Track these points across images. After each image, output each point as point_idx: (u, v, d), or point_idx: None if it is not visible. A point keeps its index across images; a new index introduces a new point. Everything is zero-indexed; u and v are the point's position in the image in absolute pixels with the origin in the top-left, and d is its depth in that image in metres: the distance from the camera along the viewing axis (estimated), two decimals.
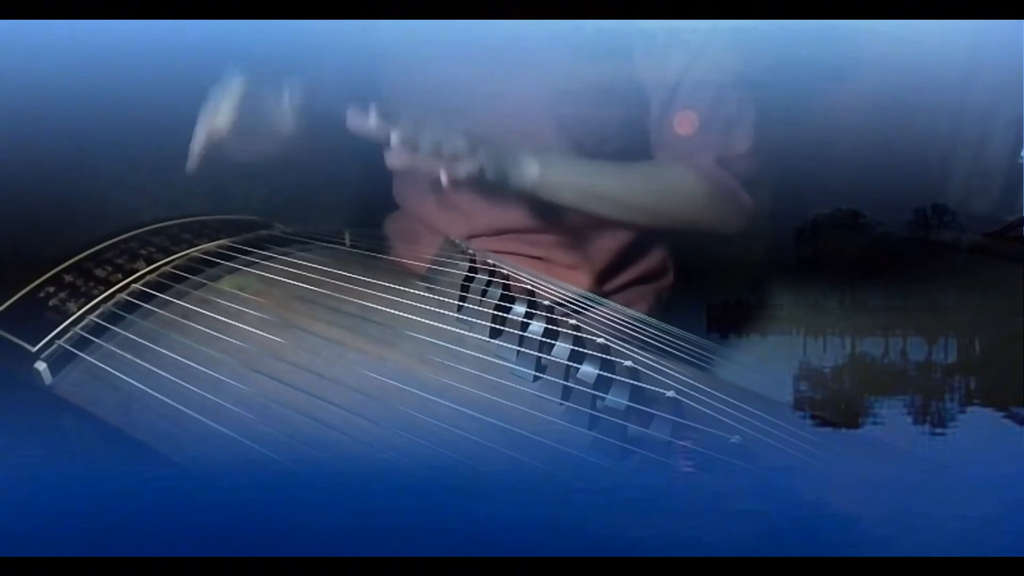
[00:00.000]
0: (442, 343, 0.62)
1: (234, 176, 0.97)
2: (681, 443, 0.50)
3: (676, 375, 0.58)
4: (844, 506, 0.48)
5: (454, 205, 0.90)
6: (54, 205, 0.85)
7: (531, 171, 0.77)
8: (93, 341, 0.65)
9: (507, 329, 0.64)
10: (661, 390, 0.52)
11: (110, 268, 0.73)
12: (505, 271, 0.69)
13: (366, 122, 0.70)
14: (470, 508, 0.49)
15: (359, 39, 0.86)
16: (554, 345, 0.58)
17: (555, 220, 0.87)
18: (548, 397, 0.57)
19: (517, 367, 0.60)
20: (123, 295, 0.69)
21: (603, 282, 0.89)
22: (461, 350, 0.62)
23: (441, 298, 0.70)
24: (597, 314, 0.69)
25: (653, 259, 0.92)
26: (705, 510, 0.48)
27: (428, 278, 0.75)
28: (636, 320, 0.67)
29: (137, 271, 0.72)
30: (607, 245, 0.89)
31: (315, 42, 0.88)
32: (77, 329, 0.65)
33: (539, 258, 0.89)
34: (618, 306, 0.71)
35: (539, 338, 0.60)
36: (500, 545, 0.47)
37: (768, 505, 0.48)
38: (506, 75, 0.81)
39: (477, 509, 0.49)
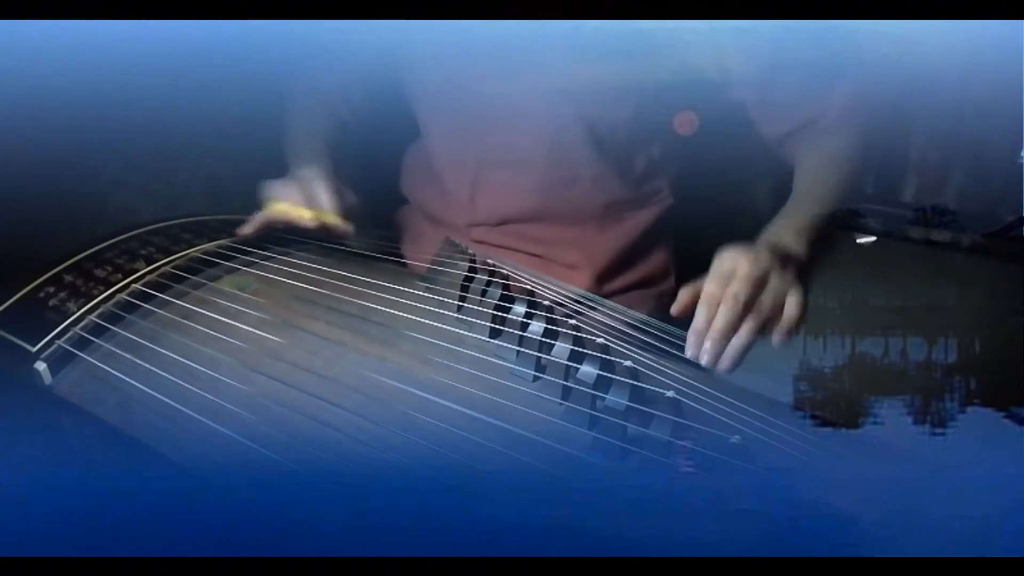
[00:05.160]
0: (442, 343, 0.62)
1: (234, 176, 0.97)
2: (681, 443, 0.50)
3: (676, 375, 0.58)
4: (844, 506, 0.48)
5: (454, 194, 0.90)
6: (54, 205, 0.85)
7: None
8: (93, 341, 0.65)
9: (507, 329, 0.64)
10: (661, 390, 0.52)
11: (110, 268, 0.73)
12: (505, 271, 0.69)
13: None
14: (470, 508, 0.49)
15: (365, 39, 0.86)
16: (554, 345, 0.58)
17: (558, 211, 0.86)
18: (548, 397, 0.57)
19: (517, 367, 0.60)
20: (123, 295, 0.69)
21: (603, 283, 0.89)
22: (461, 350, 0.62)
23: (441, 298, 0.70)
24: (597, 314, 0.69)
25: (654, 262, 0.92)
26: (705, 510, 0.48)
27: (428, 278, 0.75)
28: (636, 320, 0.67)
29: (137, 271, 0.72)
30: (608, 245, 0.88)
31: (316, 43, 0.88)
32: (77, 329, 0.65)
33: (539, 256, 0.89)
34: (618, 306, 0.71)
35: (539, 338, 0.60)
36: (500, 545, 0.47)
37: (768, 505, 0.48)
38: (521, 74, 0.80)
39: (477, 509, 0.49)
